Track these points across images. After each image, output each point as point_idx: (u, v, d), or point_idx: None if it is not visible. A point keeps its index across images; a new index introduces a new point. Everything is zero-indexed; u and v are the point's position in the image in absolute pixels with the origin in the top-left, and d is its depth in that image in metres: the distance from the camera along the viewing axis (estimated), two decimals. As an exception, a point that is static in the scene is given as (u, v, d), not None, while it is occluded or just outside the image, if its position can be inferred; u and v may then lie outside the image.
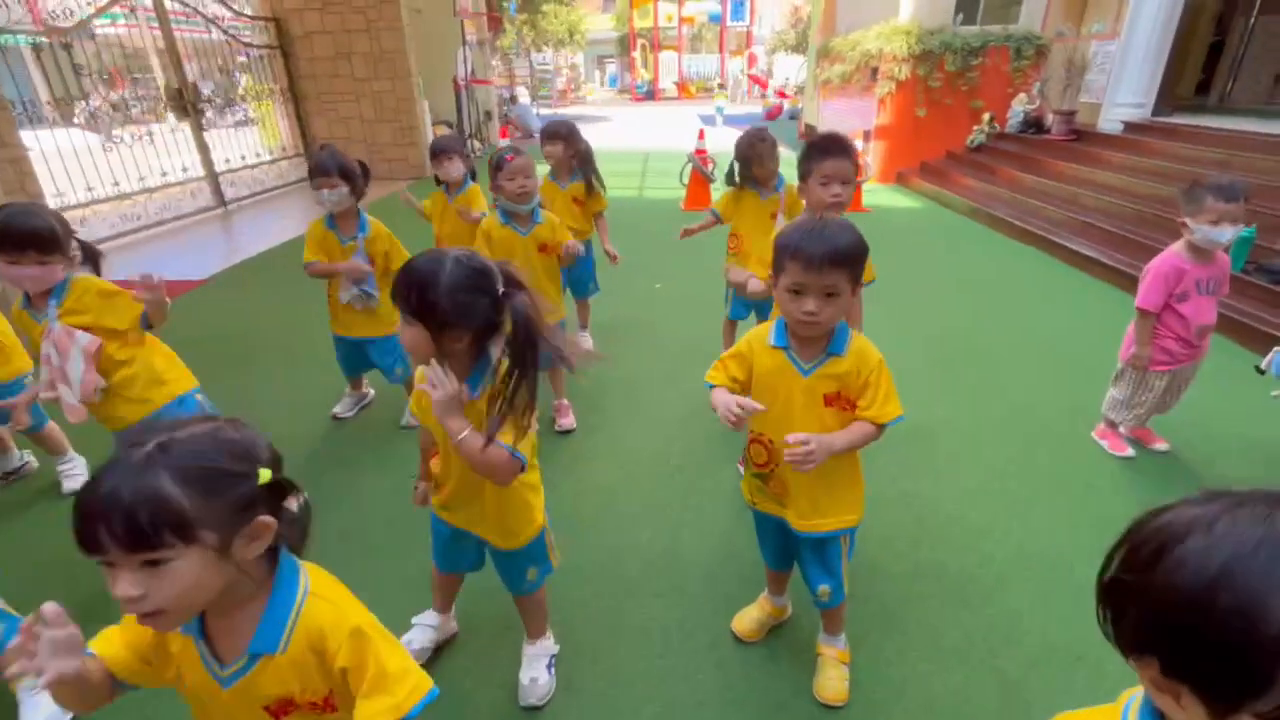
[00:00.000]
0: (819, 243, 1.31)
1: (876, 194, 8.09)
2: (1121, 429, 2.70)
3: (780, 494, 1.55)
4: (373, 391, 3.17)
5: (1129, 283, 4.70)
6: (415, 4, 10.27)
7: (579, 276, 3.55)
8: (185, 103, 7.10)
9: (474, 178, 3.39)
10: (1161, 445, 2.67)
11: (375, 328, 2.79)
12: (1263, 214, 4.67)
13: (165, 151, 7.02)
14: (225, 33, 7.88)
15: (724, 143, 13.01)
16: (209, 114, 9.25)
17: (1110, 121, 7.42)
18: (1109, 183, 6.28)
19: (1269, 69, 8.84)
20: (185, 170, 7.27)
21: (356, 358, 2.89)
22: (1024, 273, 5.23)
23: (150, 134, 6.85)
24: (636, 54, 29.73)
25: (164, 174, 6.97)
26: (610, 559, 2.13)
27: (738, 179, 3.00)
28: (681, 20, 29.11)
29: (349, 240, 2.65)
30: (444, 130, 12.03)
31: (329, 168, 2.50)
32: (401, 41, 8.99)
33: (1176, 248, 2.47)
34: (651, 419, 2.99)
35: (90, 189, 6.19)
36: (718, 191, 8.08)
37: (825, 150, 2.00)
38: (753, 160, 2.87)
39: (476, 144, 12.26)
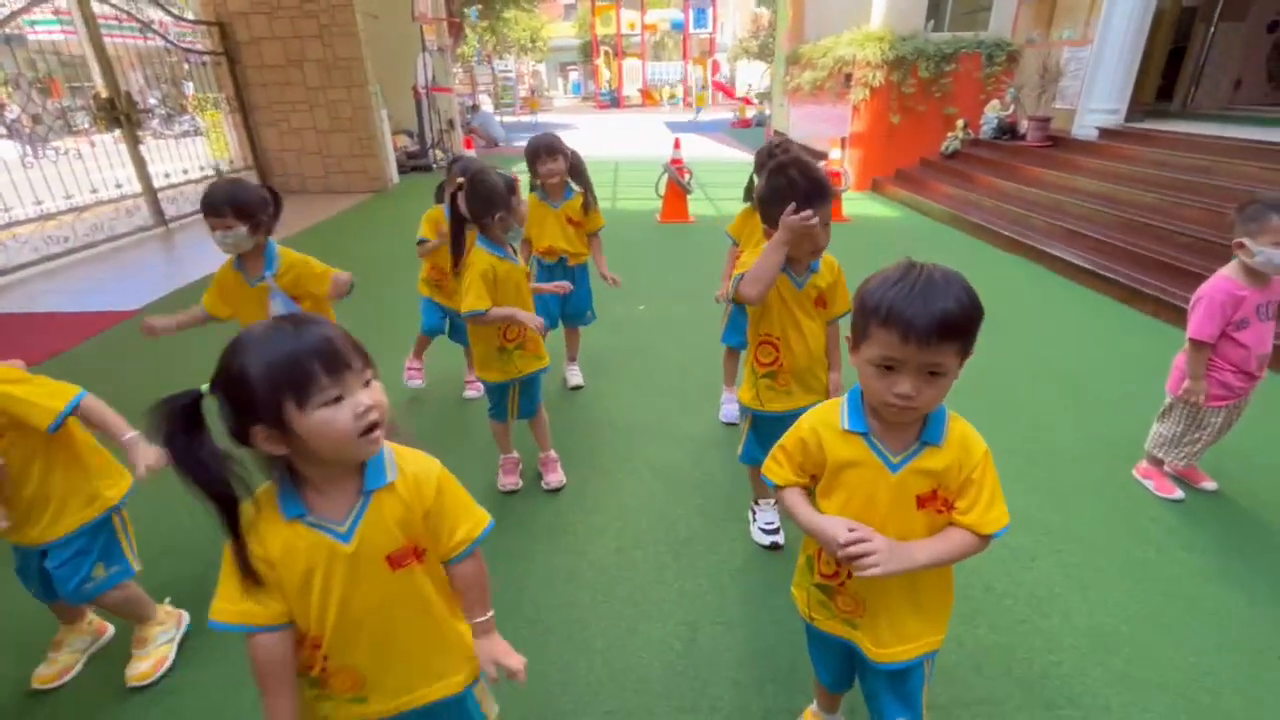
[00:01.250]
0: (923, 306, 0.98)
1: (854, 203, 7.92)
2: (1167, 467, 2.46)
3: (852, 613, 1.22)
4: None
5: (1126, 294, 4.56)
6: (372, 9, 9.80)
7: (577, 304, 3.19)
8: (118, 113, 6.51)
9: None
10: (1210, 484, 2.45)
11: None
12: None
13: (102, 165, 6.43)
14: (164, 38, 7.30)
15: (694, 152, 12.91)
16: (155, 124, 8.65)
17: (1085, 128, 7.39)
18: (1092, 189, 6.19)
19: (1229, 74, 9.01)
20: (120, 186, 6.67)
21: None
22: (1017, 285, 5.06)
23: (79, 149, 6.25)
24: (600, 61, 29.46)
25: (94, 190, 6.37)
26: (619, 664, 1.77)
27: (754, 195, 2.69)
28: (644, 28, 28.96)
29: (257, 280, 2.24)
30: (404, 141, 11.55)
31: (220, 205, 2.09)
32: (357, 48, 8.51)
33: (1229, 271, 2.25)
34: (652, 470, 2.65)
35: (8, 209, 5.58)
36: (695, 203, 7.88)
37: (809, 197, 1.70)
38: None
39: (439, 154, 11.80)
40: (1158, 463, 2.47)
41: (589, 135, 17.41)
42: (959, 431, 1.12)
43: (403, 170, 10.56)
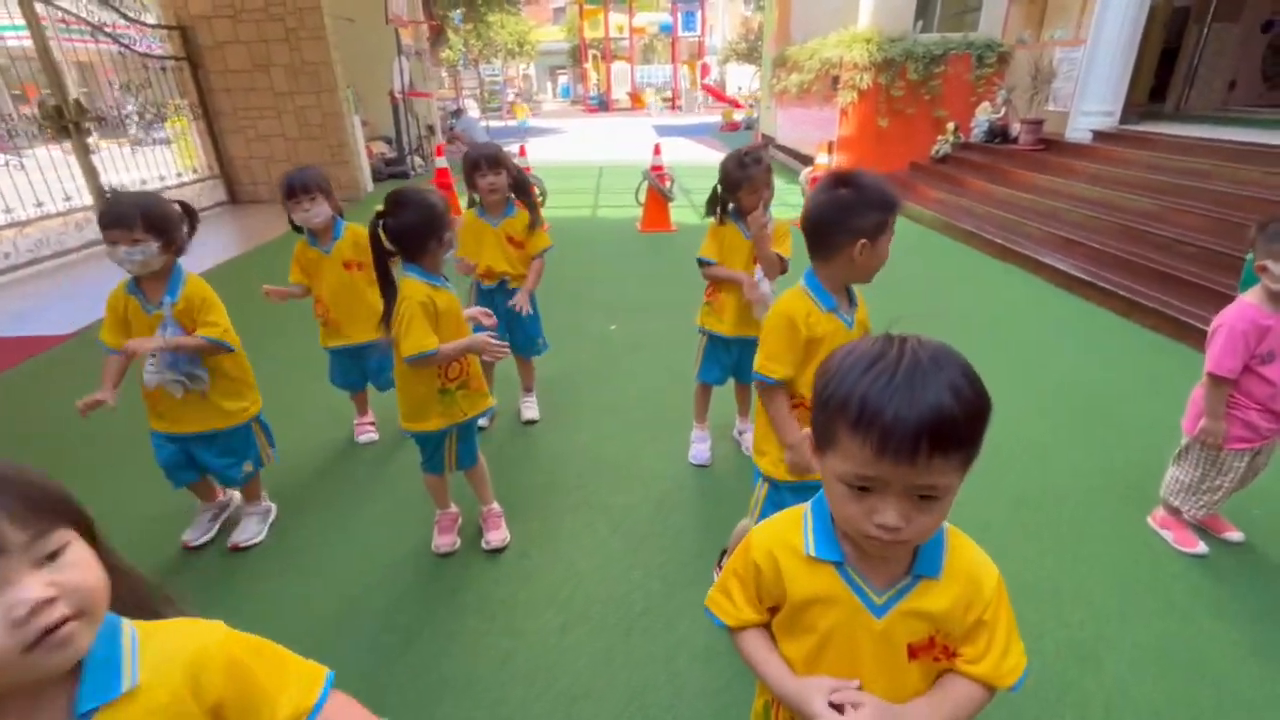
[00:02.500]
0: (908, 404, 0.70)
1: (843, 209, 7.65)
2: (1186, 516, 2.19)
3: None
4: (237, 496, 2.44)
5: (1126, 306, 4.30)
6: (346, 12, 9.50)
7: (525, 332, 2.88)
8: (66, 121, 6.17)
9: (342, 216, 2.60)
10: (1235, 535, 2.18)
11: (211, 417, 2.09)
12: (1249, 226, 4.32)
13: (61, 176, 6.10)
14: (118, 42, 6.97)
15: (679, 156, 12.65)
16: (134, 131, 8.30)
17: (1079, 130, 7.17)
18: (1087, 195, 5.95)
19: (1223, 75, 8.81)
20: (69, 199, 6.33)
21: (187, 460, 2.15)
22: (1011, 296, 4.79)
23: (51, 156, 5.94)
24: (589, 65, 29.20)
25: (39, 204, 6.03)
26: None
27: (719, 209, 2.40)
28: (633, 31, 28.74)
29: (155, 308, 1.95)
30: (381, 148, 11.23)
31: (129, 216, 1.80)
32: (326, 51, 8.19)
33: (1251, 298, 1.99)
34: (609, 522, 2.35)
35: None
36: (677, 210, 7.60)
37: (885, 207, 1.47)
38: (742, 186, 2.29)
39: (418, 160, 11.49)
40: (1175, 511, 2.20)
41: (575, 139, 17.13)
42: (964, 559, 0.84)
43: (380, 178, 10.25)
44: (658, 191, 6.70)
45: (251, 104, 8.44)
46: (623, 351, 3.80)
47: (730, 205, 2.37)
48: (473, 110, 21.51)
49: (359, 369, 2.77)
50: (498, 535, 2.20)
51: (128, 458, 2.67)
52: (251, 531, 2.27)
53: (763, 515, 1.78)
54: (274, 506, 2.41)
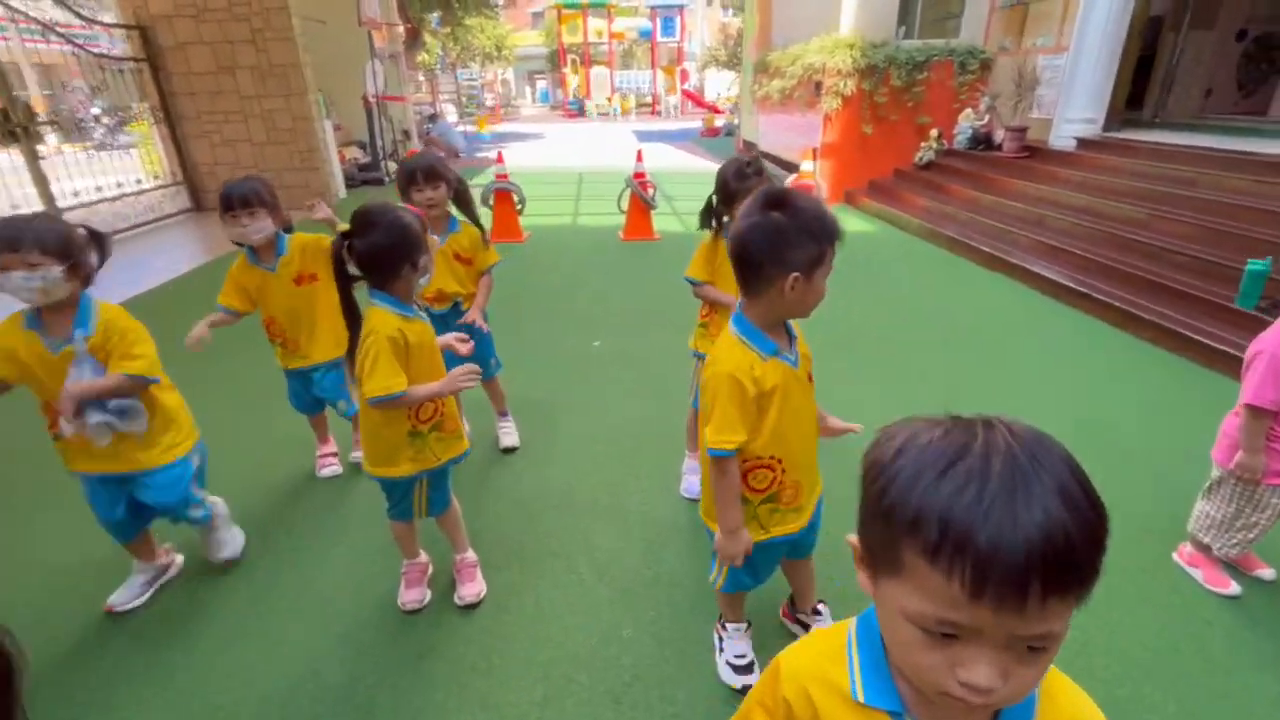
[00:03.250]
0: (1012, 527, 0.50)
1: (828, 216, 7.53)
2: (1217, 554, 2.04)
3: None
4: (179, 560, 2.17)
5: (1121, 318, 4.20)
6: (318, 14, 9.22)
7: (480, 353, 2.65)
8: (13, 125, 5.82)
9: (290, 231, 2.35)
10: (1267, 573, 2.04)
11: (136, 456, 1.83)
12: (1259, 240, 4.28)
13: (7, 184, 5.73)
14: (70, 42, 6.61)
15: (660, 162, 12.48)
16: (100, 135, 7.93)
17: (1062, 138, 7.13)
18: (1073, 202, 5.89)
19: (1199, 83, 8.89)
20: (16, 208, 5.96)
21: (125, 506, 1.88)
22: (1003, 307, 4.68)
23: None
24: (567, 69, 29.01)
25: (-18, 213, 5.66)
26: None
27: (714, 221, 2.21)
28: (611, 36, 28.60)
29: (63, 345, 1.70)
30: (354, 153, 10.91)
31: (20, 240, 1.56)
32: (295, 54, 7.89)
33: (1291, 320, 1.83)
34: (595, 569, 2.13)
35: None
36: (660, 218, 7.41)
37: (819, 238, 1.29)
38: (738, 198, 2.10)
39: (393, 165, 11.18)
40: (1205, 548, 2.05)
41: (554, 144, 16.90)
42: (1062, 709, 0.65)
43: (353, 184, 9.95)
44: (641, 199, 6.52)
45: (217, 107, 8.11)
46: (608, 371, 3.59)
47: (726, 219, 2.18)
48: (450, 115, 21.19)
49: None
50: (472, 590, 1.97)
51: (42, 495, 2.40)
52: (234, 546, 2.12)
53: (728, 586, 1.62)
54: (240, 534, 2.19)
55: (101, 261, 1.78)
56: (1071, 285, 4.67)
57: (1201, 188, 5.19)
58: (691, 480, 2.49)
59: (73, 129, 7.53)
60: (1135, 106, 8.63)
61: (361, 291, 1.71)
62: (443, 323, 2.54)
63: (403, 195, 2.37)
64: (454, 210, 2.49)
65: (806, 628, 1.79)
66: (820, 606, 1.82)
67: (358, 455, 2.65)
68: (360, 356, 1.61)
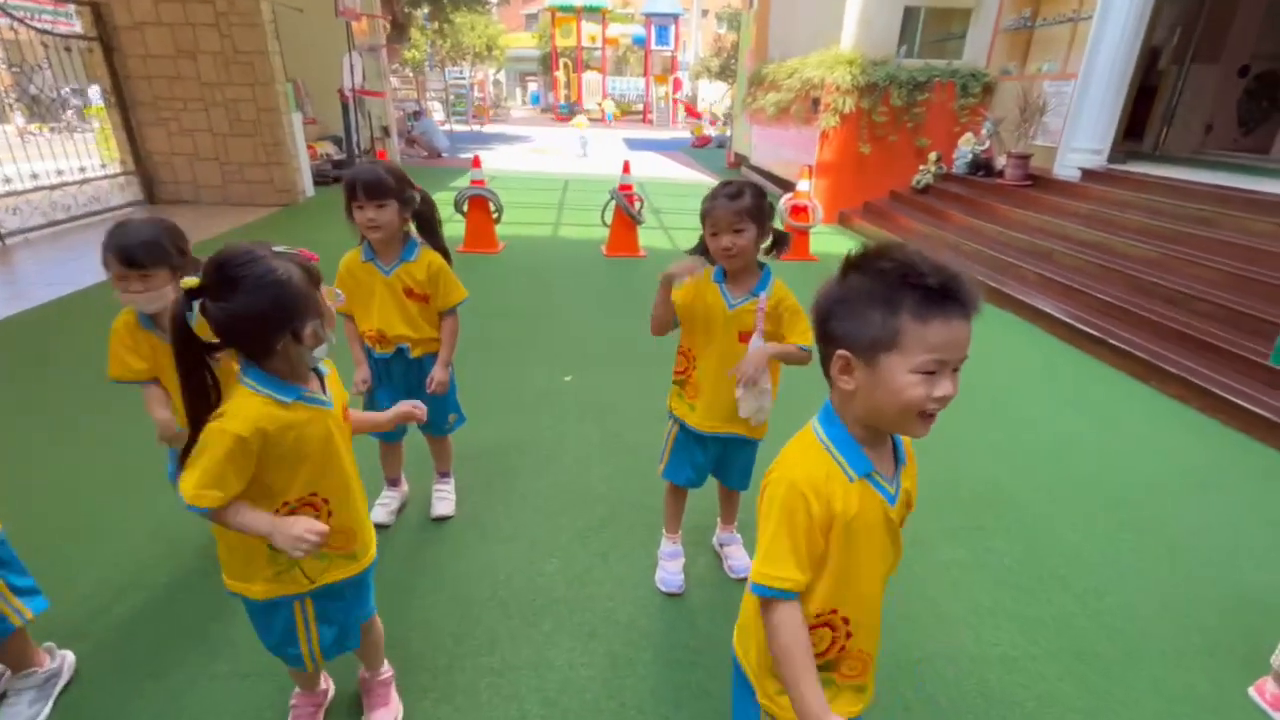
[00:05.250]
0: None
1: (821, 238, 7.19)
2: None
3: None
4: (70, 657, 1.69)
5: (1145, 370, 3.84)
6: (297, 2, 8.71)
7: (432, 408, 2.20)
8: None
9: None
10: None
11: None
12: (1272, 284, 3.98)
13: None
14: (10, 15, 6.05)
15: (650, 171, 12.09)
16: (70, 116, 7.33)
17: (1067, 167, 6.87)
18: (1082, 237, 5.58)
19: (1199, 117, 8.71)
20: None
21: None
22: (1010, 350, 4.32)
23: None
24: (559, 73, 28.62)
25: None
26: None
27: (703, 254, 1.78)
28: (605, 41, 28.31)
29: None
30: (328, 148, 10.36)
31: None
32: (263, 41, 7.37)
33: None
34: (543, 702, 1.67)
35: None
36: (647, 233, 6.99)
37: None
38: (704, 222, 1.69)
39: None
40: (1297, 692, 1.66)
41: (541, 148, 16.44)
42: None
43: (325, 180, 9.41)
44: (626, 213, 6.10)
45: (175, 94, 7.55)
46: (578, 416, 3.14)
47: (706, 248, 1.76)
48: (437, 113, 20.64)
49: None
50: (385, 717, 1.50)
51: None
52: (25, 715, 1.54)
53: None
54: (69, 657, 1.68)
55: None
56: (1087, 330, 4.33)
57: (1221, 229, 4.90)
58: (669, 570, 2.05)
59: (39, 108, 6.89)
60: (1133, 138, 8.45)
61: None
62: (386, 371, 2.09)
63: (346, 209, 1.91)
64: (415, 230, 2.03)
65: None
66: None
67: None
68: (200, 438, 1.14)
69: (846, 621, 0.99)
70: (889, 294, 0.84)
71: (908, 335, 0.84)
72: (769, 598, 0.94)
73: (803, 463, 0.94)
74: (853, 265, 0.90)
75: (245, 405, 1.13)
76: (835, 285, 0.91)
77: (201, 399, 1.14)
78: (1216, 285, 4.30)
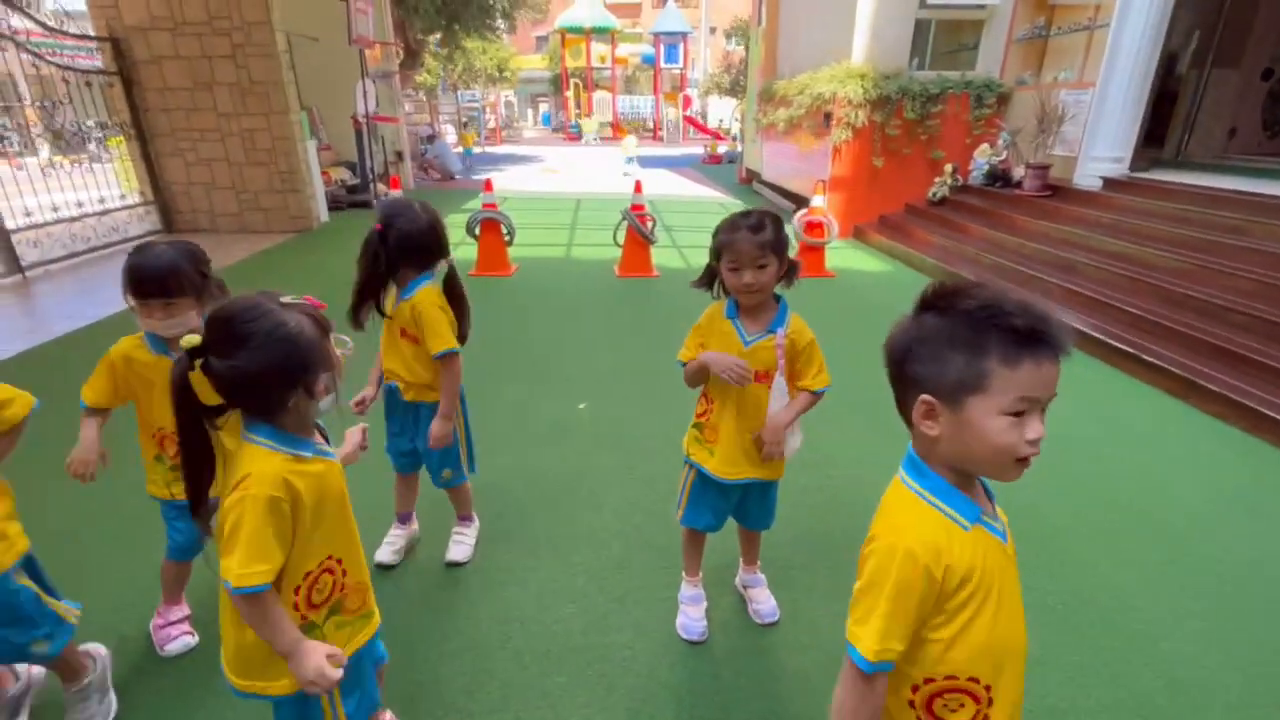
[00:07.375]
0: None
1: (837, 253, 7.09)
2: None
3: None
4: (38, 673, 1.64)
5: (1183, 388, 3.68)
6: (311, 30, 8.86)
7: (438, 463, 2.12)
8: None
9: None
10: None
11: None
12: None
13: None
14: (30, 52, 6.18)
15: (661, 189, 12.06)
16: (93, 148, 7.46)
17: (1087, 176, 6.72)
18: (1107, 248, 5.44)
19: (1222, 123, 8.53)
20: (-45, 228, 5.47)
21: None
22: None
23: None
24: (569, 94, 28.91)
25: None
26: None
27: (711, 283, 1.71)
28: (615, 61, 28.58)
29: None
30: (343, 174, 10.49)
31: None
32: (277, 71, 7.48)
33: None
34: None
35: None
36: (660, 252, 6.93)
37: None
38: (721, 256, 1.61)
39: (382, 188, 10.77)
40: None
41: (553, 167, 16.55)
42: None
43: (339, 207, 9.52)
44: (638, 233, 6.05)
45: (193, 125, 7.68)
46: (593, 447, 3.05)
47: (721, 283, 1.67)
48: (450, 136, 20.89)
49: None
50: None
51: None
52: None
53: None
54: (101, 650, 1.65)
55: None
56: (1119, 345, 4.18)
57: (1255, 237, 4.74)
58: (690, 616, 1.95)
59: (65, 142, 7.01)
60: (1154, 145, 8.28)
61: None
62: (392, 399, 2.04)
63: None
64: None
65: None
66: None
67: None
68: (221, 520, 1.07)
69: (989, 689, 0.87)
70: (973, 336, 0.78)
71: (996, 378, 0.78)
72: (875, 672, 0.85)
73: (916, 526, 0.85)
74: (929, 304, 0.84)
75: (266, 465, 1.06)
76: (911, 324, 0.86)
77: (203, 458, 1.07)
78: (1255, 297, 4.13)
